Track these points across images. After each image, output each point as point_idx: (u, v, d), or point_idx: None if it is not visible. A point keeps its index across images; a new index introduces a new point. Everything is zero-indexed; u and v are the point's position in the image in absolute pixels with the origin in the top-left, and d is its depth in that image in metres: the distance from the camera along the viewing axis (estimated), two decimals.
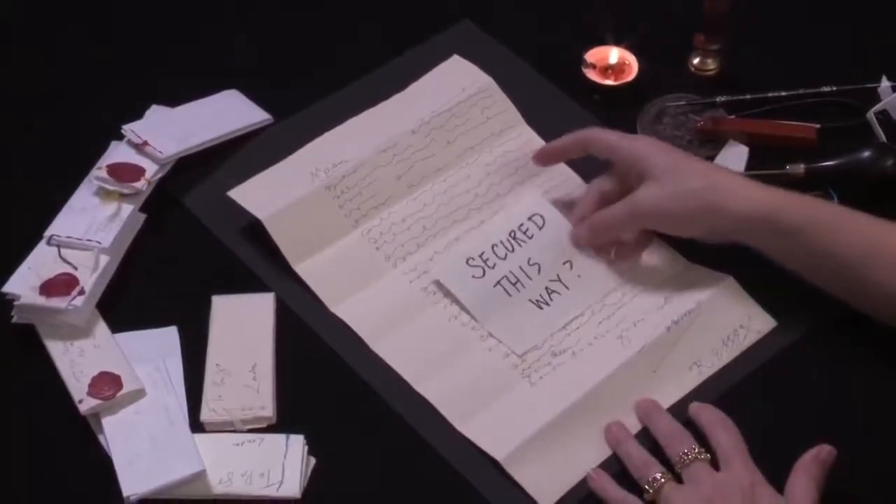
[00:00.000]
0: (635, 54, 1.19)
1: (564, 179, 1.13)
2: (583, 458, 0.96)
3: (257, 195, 1.09)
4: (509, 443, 0.96)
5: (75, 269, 1.05)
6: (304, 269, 1.07)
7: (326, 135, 1.15)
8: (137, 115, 1.16)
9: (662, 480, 0.93)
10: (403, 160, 1.12)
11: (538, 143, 1.15)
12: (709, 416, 0.96)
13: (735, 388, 1.00)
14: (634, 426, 0.98)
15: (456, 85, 1.17)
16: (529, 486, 0.95)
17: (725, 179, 1.02)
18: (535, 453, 0.96)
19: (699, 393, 1.00)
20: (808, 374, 1.01)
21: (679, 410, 0.99)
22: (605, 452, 0.97)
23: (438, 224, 1.10)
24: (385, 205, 1.11)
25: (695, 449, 0.94)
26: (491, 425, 0.98)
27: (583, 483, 0.95)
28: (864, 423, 0.99)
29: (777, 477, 0.93)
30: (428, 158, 1.13)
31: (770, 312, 1.04)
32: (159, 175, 1.12)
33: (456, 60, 1.20)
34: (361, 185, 1.11)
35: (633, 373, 1.00)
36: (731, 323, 1.03)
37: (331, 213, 1.09)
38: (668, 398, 0.99)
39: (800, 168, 1.11)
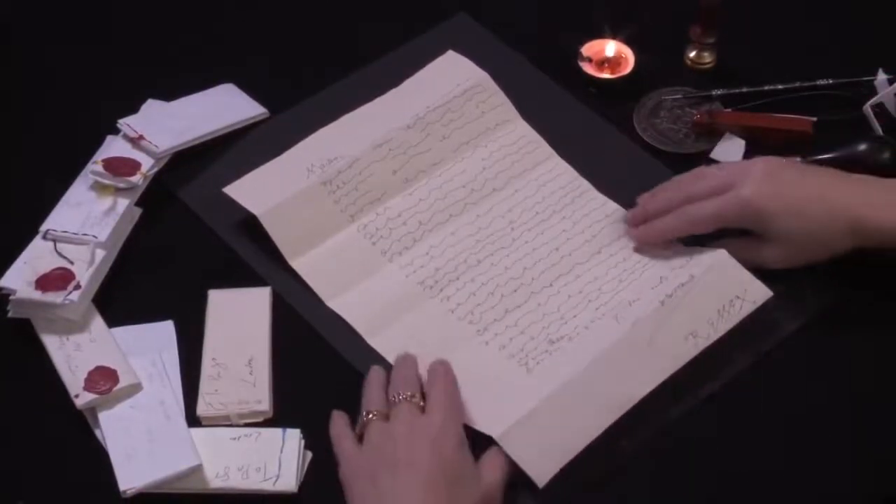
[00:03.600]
0: (632, 48, 1.19)
1: (560, 172, 1.13)
2: (579, 434, 0.96)
3: (253, 191, 1.09)
4: (505, 420, 0.96)
5: (71, 263, 1.05)
6: (301, 264, 1.07)
7: (321, 130, 1.15)
8: (133, 109, 1.16)
9: (371, 417, 0.95)
10: (399, 155, 1.12)
11: (533, 137, 1.15)
12: (432, 367, 0.99)
13: (739, 374, 1.00)
14: (627, 397, 0.98)
15: (451, 80, 1.17)
16: (525, 464, 0.94)
17: (855, 202, 1.00)
18: (530, 431, 0.96)
19: (699, 369, 1.00)
20: (810, 360, 1.01)
21: (675, 378, 0.98)
22: (601, 427, 0.96)
23: (435, 219, 1.10)
24: (381, 200, 1.11)
25: (409, 394, 0.95)
26: (487, 408, 0.98)
27: (579, 460, 0.95)
28: (869, 405, 0.99)
29: (787, 462, 0.93)
30: (423, 153, 1.13)
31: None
32: (155, 169, 1.12)
33: (451, 56, 1.20)
34: (357, 180, 1.10)
35: (627, 346, 1.00)
36: (726, 294, 1.03)
37: (326, 209, 1.09)
38: (663, 369, 0.99)
39: (796, 161, 1.11)
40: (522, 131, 1.16)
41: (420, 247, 1.08)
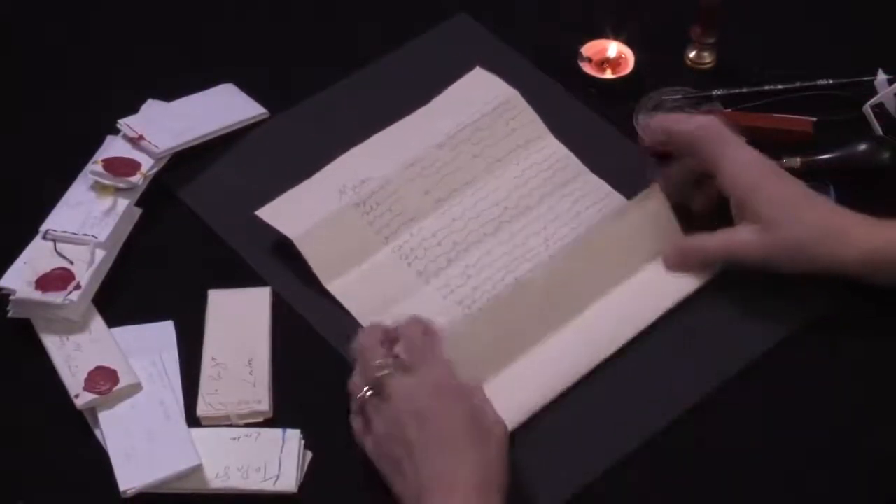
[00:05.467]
0: (632, 48, 1.19)
1: (593, 189, 1.12)
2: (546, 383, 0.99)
3: (286, 214, 1.08)
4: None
5: (71, 263, 1.05)
6: (336, 287, 1.05)
7: (352, 150, 1.13)
8: (133, 109, 1.16)
9: (387, 372, 0.94)
10: (431, 175, 1.11)
11: (563, 153, 1.14)
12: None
13: (726, 387, 1.00)
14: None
15: (480, 97, 1.16)
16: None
17: (838, 224, 1.00)
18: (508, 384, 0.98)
19: (688, 378, 1.00)
20: (797, 373, 1.01)
21: (664, 388, 0.99)
22: (572, 378, 0.99)
23: (469, 238, 1.09)
24: (414, 220, 1.09)
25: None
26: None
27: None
28: (853, 416, 0.99)
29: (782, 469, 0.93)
30: (455, 172, 1.12)
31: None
32: (155, 169, 1.12)
33: (478, 72, 1.18)
34: (390, 201, 1.09)
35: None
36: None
37: (361, 231, 1.08)
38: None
39: (796, 161, 1.11)
40: (553, 148, 1.14)
41: (456, 267, 1.07)
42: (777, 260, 1.00)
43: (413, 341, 0.95)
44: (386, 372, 0.94)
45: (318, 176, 1.12)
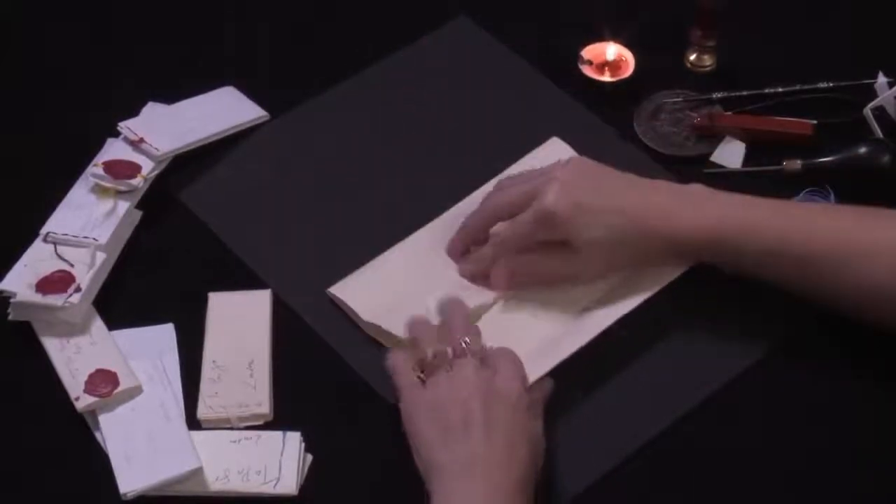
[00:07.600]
0: (632, 50, 1.19)
1: None
2: None
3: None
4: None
5: (71, 266, 1.05)
6: (339, 288, 1.05)
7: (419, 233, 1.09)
8: (133, 111, 1.16)
9: (436, 361, 0.94)
10: None
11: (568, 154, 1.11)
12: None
13: (694, 413, 0.99)
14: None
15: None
16: None
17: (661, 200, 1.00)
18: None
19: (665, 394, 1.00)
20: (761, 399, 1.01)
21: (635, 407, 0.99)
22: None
23: None
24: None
25: (475, 348, 0.95)
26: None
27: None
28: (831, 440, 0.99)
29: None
30: None
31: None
32: (155, 172, 1.12)
33: (555, 143, 1.13)
34: None
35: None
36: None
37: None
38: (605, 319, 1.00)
39: (796, 164, 1.11)
40: (554, 146, 1.12)
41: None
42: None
43: (506, 354, 0.97)
44: (464, 347, 0.95)
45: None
